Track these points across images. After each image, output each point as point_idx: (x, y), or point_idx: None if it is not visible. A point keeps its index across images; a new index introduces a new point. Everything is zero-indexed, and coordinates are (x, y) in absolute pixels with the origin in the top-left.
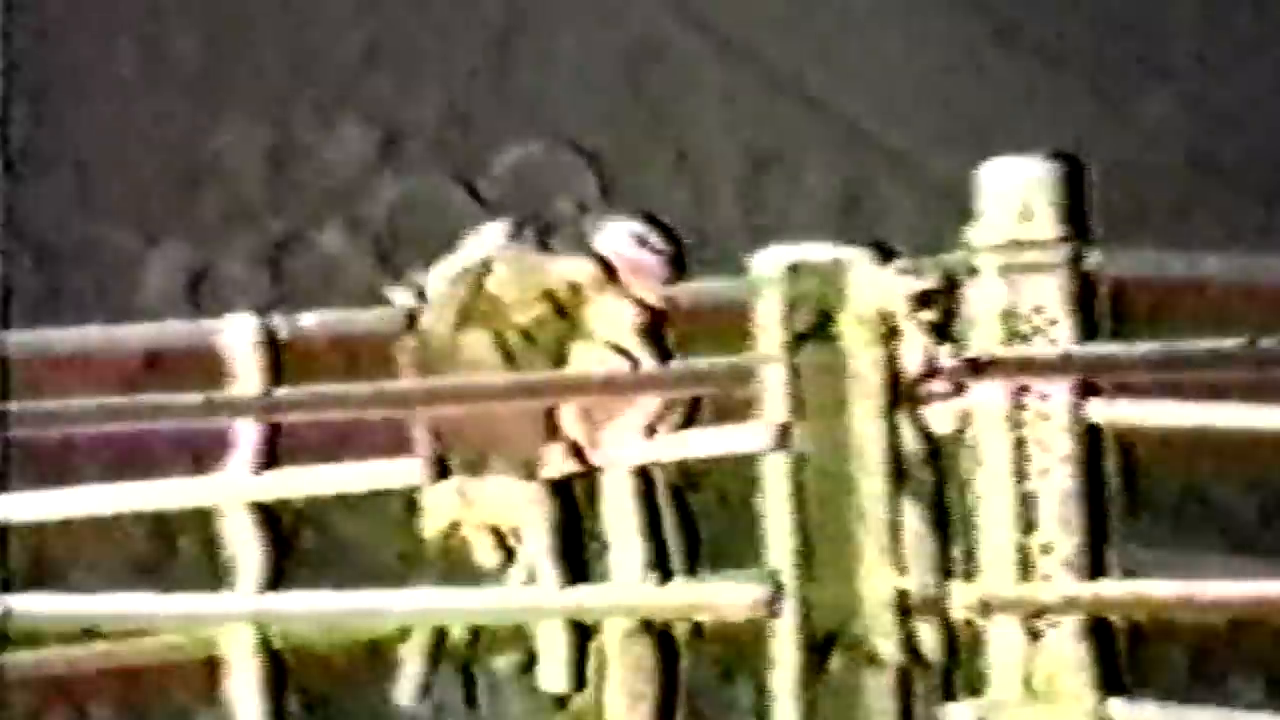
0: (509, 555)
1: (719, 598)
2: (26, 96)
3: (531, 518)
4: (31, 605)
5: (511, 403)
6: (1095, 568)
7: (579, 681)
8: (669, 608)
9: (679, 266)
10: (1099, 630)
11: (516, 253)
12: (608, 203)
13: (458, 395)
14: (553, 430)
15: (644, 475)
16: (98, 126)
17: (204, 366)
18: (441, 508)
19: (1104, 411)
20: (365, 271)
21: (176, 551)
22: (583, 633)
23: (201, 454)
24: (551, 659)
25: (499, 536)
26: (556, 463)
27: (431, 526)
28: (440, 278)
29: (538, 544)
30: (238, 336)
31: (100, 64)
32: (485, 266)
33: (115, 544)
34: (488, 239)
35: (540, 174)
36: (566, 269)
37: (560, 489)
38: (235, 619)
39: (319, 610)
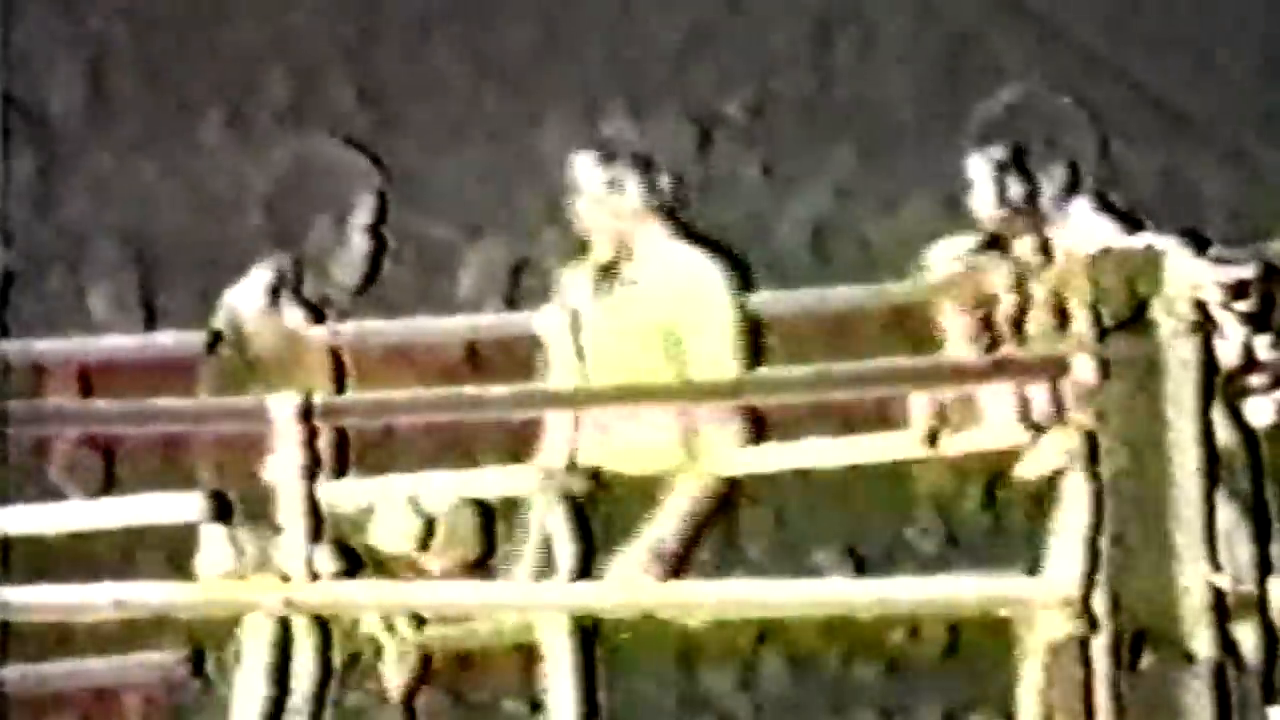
0: None
1: (1029, 593)
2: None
3: None
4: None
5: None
6: None
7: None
8: (974, 603)
9: None
10: None
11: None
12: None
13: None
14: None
15: None
16: (421, 125)
17: (519, 358)
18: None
19: None
20: None
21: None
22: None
23: (517, 442)
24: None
25: None
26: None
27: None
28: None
29: None
30: (550, 328)
31: (424, 64)
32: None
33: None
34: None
35: None
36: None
37: None
38: (550, 607)
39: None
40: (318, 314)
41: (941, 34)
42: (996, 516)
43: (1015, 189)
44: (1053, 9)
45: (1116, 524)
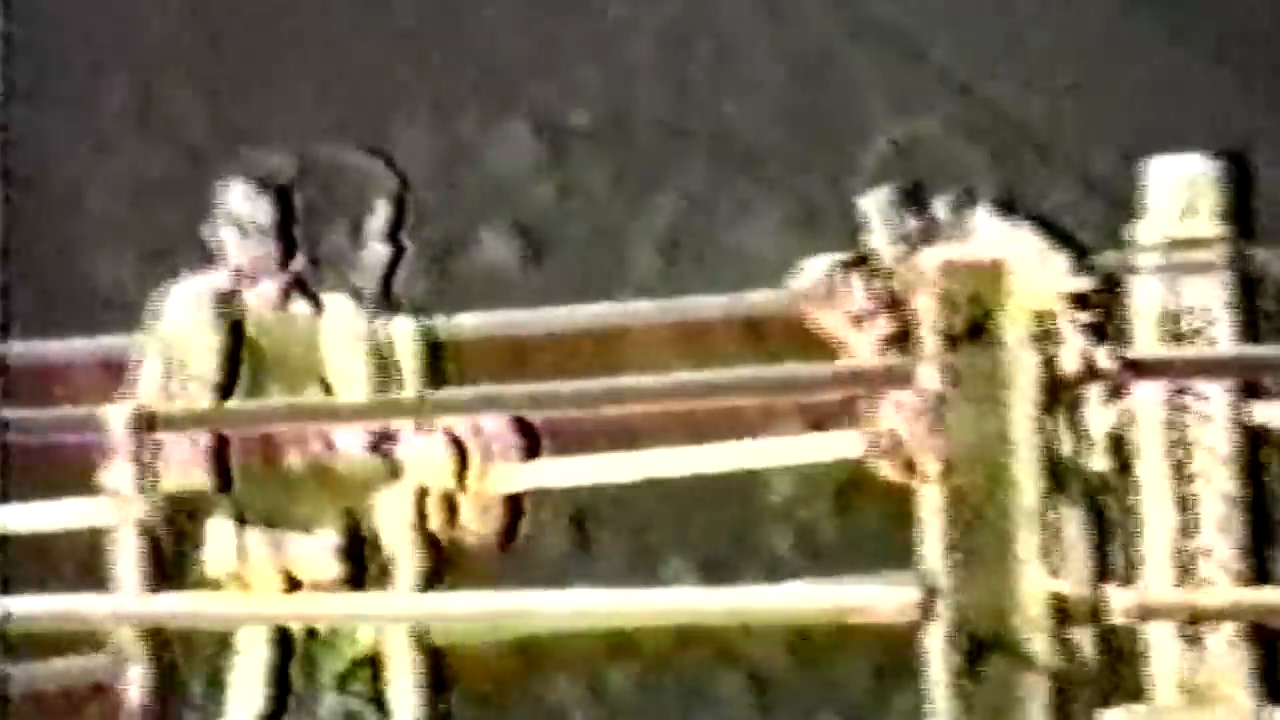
0: None
1: (874, 600)
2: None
3: None
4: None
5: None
6: (1257, 573)
7: None
8: (823, 610)
9: None
10: (1259, 636)
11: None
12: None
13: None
14: None
15: None
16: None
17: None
18: None
19: (1266, 414)
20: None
21: None
22: None
23: None
24: None
25: None
26: None
27: None
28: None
29: None
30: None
31: (270, 71)
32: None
33: None
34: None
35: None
36: None
37: None
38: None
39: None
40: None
41: (794, 47)
42: (847, 524)
43: (909, 223)
44: (901, 25)
45: (961, 531)
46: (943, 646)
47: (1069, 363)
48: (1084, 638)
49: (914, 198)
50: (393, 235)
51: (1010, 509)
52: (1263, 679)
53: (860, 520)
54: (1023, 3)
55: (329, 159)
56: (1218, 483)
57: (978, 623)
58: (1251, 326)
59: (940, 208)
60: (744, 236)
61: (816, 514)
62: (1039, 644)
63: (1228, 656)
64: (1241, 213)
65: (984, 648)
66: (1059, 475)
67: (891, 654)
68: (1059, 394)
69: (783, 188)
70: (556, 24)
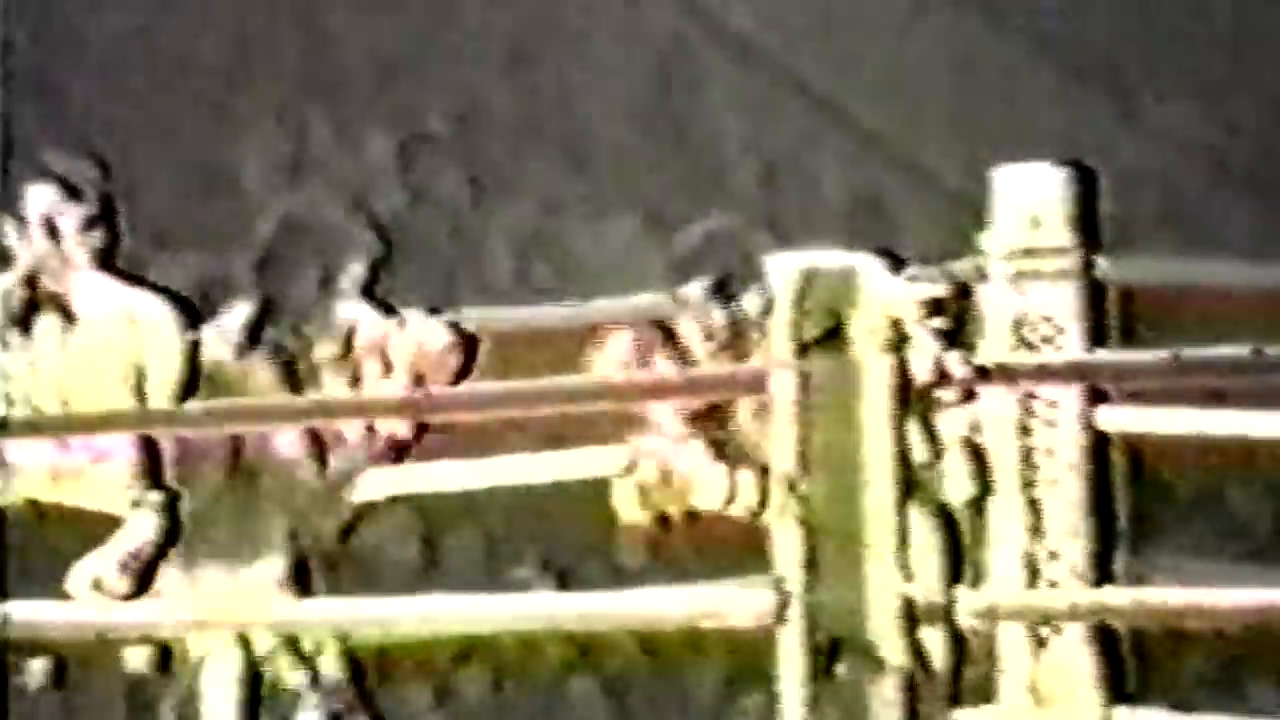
0: None
1: (727, 605)
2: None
3: None
4: None
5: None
6: (1103, 575)
7: None
8: (676, 616)
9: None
10: (1106, 638)
11: None
12: (617, 209)
13: None
14: None
15: None
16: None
17: None
18: None
19: (1112, 419)
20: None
21: None
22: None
23: None
24: None
25: None
26: None
27: None
28: None
29: None
30: None
31: (119, 79)
32: None
33: None
34: None
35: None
36: None
37: None
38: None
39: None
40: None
41: (646, 50)
42: (700, 530)
43: (719, 320)
44: (752, 29)
45: (814, 535)
46: (795, 650)
47: (921, 369)
48: (935, 640)
49: (723, 290)
50: (368, 291)
51: (862, 513)
52: (1108, 679)
53: (713, 526)
54: (876, 13)
55: (302, 214)
56: (1065, 487)
57: (830, 626)
58: (1098, 333)
59: (750, 301)
60: (598, 241)
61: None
62: (890, 647)
63: (1075, 658)
64: (1088, 222)
65: (836, 651)
66: (911, 480)
67: (744, 658)
68: (911, 400)
69: (636, 193)
70: (408, 28)
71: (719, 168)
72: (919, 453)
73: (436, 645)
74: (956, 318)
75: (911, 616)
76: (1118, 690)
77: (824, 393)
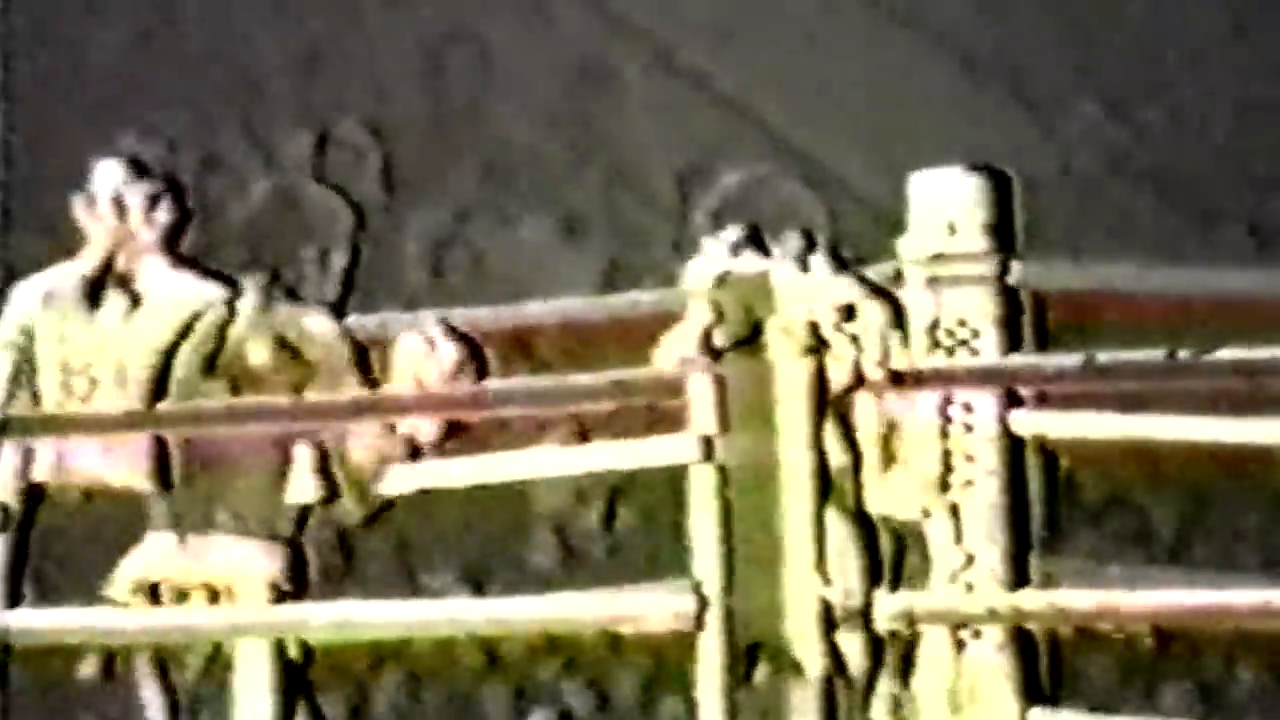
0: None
1: (645, 610)
2: None
3: None
4: None
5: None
6: (1019, 578)
7: None
8: (593, 620)
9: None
10: (1023, 641)
11: None
12: (536, 214)
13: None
14: None
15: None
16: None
17: None
18: None
19: (1027, 423)
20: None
21: None
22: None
23: None
24: None
25: None
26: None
27: None
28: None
29: None
30: None
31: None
32: None
33: None
34: None
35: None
36: None
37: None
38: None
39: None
40: None
41: (560, 54)
42: (616, 534)
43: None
44: (666, 34)
45: (732, 540)
46: (713, 655)
47: (838, 373)
48: (852, 644)
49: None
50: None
51: (780, 517)
52: (1025, 682)
53: (630, 531)
54: (790, 20)
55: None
56: (983, 490)
57: (748, 630)
58: (1014, 338)
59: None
60: (513, 246)
61: (586, 525)
62: (808, 651)
63: (993, 660)
64: (1003, 227)
65: (755, 655)
66: (828, 484)
67: (662, 663)
68: (828, 404)
69: (551, 197)
70: (318, 31)
71: (633, 173)
72: (836, 457)
73: (351, 650)
74: (875, 323)
75: (829, 621)
76: (1034, 693)
77: (740, 397)
